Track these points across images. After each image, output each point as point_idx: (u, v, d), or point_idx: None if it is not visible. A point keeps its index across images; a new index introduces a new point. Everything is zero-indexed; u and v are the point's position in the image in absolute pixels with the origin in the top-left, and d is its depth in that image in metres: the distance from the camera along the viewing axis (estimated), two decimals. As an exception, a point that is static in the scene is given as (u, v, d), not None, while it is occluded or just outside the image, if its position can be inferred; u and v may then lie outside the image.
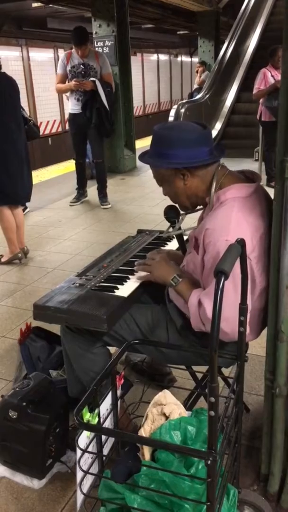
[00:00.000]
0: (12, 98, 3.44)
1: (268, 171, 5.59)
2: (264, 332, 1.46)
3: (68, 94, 4.95)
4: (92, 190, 5.48)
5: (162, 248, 1.94)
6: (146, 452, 1.24)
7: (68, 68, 4.71)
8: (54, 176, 7.14)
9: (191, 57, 17.94)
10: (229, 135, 7.98)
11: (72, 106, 4.87)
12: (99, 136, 4.88)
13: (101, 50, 6.36)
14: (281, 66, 1.17)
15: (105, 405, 1.31)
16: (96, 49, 6.37)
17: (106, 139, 5.29)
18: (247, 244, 1.13)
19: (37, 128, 4.01)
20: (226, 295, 0.94)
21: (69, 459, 1.70)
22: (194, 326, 1.46)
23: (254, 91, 5.44)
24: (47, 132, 10.94)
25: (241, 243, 1.07)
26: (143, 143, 7.89)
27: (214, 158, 1.45)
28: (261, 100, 5.46)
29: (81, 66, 4.68)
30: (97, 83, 4.58)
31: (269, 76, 5.29)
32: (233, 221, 1.34)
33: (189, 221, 1.75)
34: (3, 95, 3.35)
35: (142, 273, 1.65)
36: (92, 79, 4.62)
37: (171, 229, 1.72)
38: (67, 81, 4.79)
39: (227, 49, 8.31)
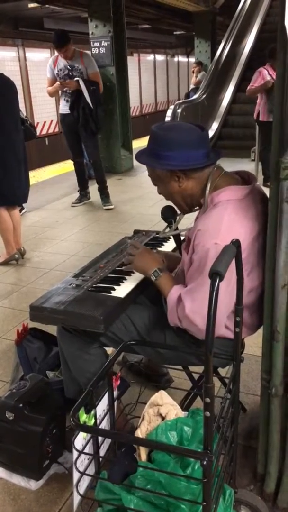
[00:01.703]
0: (10, 99, 3.44)
1: (265, 171, 5.59)
2: (260, 331, 1.46)
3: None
4: (91, 191, 5.48)
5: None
6: (143, 452, 1.24)
7: (56, 71, 4.80)
8: (51, 177, 7.14)
9: (187, 57, 17.95)
10: (225, 135, 7.99)
11: (62, 106, 4.95)
12: (89, 136, 4.92)
13: (97, 51, 6.38)
14: (276, 67, 1.18)
15: (102, 406, 1.31)
16: (93, 49, 6.39)
17: (101, 139, 5.30)
18: None
19: (33, 129, 4.02)
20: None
21: (66, 460, 1.70)
22: (170, 321, 1.47)
23: (248, 88, 5.45)
24: (44, 132, 10.93)
25: (236, 244, 1.08)
26: (140, 143, 7.88)
27: (210, 161, 1.45)
28: (257, 100, 5.47)
29: (67, 68, 4.76)
30: (81, 82, 4.64)
31: (266, 74, 5.27)
32: (224, 224, 1.34)
33: (187, 221, 1.76)
34: (1, 96, 3.35)
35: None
36: (76, 78, 4.68)
37: (167, 230, 1.73)
38: None
39: (223, 49, 8.32)
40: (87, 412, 1.21)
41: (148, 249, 1.68)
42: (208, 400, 0.93)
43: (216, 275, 0.92)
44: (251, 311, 1.50)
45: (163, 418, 1.29)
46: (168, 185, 1.49)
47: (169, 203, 1.64)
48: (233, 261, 1.08)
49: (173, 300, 1.44)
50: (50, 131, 11.23)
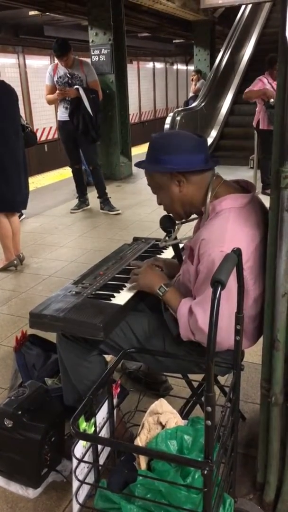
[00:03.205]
0: (10, 106, 3.45)
1: (264, 178, 5.61)
2: (260, 340, 1.46)
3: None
4: (89, 197, 5.49)
5: (158, 256, 1.95)
6: (142, 461, 1.24)
7: (55, 79, 4.85)
8: (50, 183, 7.15)
9: (186, 65, 18.07)
10: (224, 143, 8.04)
11: (60, 113, 4.98)
12: (89, 143, 4.96)
13: (97, 58, 6.42)
14: (277, 78, 1.19)
15: (101, 414, 1.31)
16: (93, 57, 6.43)
17: (100, 146, 5.33)
18: (242, 254, 1.14)
19: (34, 136, 4.02)
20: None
21: (64, 468, 1.69)
22: (183, 335, 1.46)
23: (246, 90, 5.44)
24: (43, 138, 10.97)
25: (237, 252, 1.08)
26: (139, 150, 7.92)
27: (209, 165, 1.46)
28: (257, 109, 5.50)
29: (67, 76, 4.81)
30: (81, 90, 4.70)
31: (266, 82, 5.31)
32: (228, 232, 1.35)
33: (186, 229, 1.76)
34: (2, 102, 3.36)
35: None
36: (76, 87, 4.73)
37: (167, 239, 1.73)
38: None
39: (222, 57, 8.39)
40: (87, 420, 1.21)
41: (151, 265, 1.68)
42: (209, 409, 0.93)
43: (218, 283, 0.92)
44: (255, 323, 1.48)
45: (163, 427, 1.29)
46: (168, 191, 1.49)
47: None
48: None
49: (184, 314, 1.43)
50: (50, 137, 11.27)
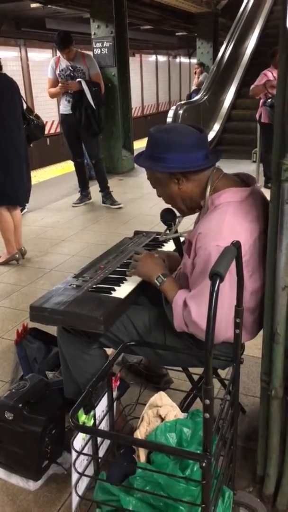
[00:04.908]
0: (12, 99, 3.44)
1: (266, 172, 5.59)
2: (260, 333, 1.46)
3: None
4: (91, 191, 5.49)
5: (159, 249, 1.95)
6: (142, 454, 1.24)
7: (57, 72, 4.83)
8: (52, 177, 7.15)
9: (189, 58, 17.96)
10: (227, 137, 8.00)
11: (62, 107, 4.97)
12: (91, 136, 4.95)
13: (99, 51, 6.39)
14: (278, 68, 1.18)
15: (101, 407, 1.31)
16: (95, 50, 6.40)
17: (102, 139, 5.32)
18: None
19: (39, 130, 4.01)
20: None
21: (65, 461, 1.70)
22: (177, 326, 1.46)
23: (251, 87, 5.44)
24: (45, 132, 10.95)
25: (236, 245, 1.07)
26: (141, 144, 7.89)
27: (209, 163, 1.44)
28: (261, 102, 5.47)
29: (69, 69, 4.80)
30: (83, 83, 4.69)
31: (270, 76, 5.30)
32: (226, 226, 1.34)
33: (187, 222, 1.76)
34: (4, 96, 3.35)
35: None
36: (78, 80, 4.72)
37: (167, 232, 1.73)
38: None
39: (225, 50, 8.33)
40: (86, 412, 1.21)
41: (151, 254, 1.67)
42: (207, 401, 0.93)
43: (216, 276, 0.92)
44: (254, 316, 1.48)
45: (162, 419, 1.29)
46: (167, 188, 1.48)
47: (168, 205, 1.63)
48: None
49: (179, 305, 1.43)
50: (52, 131, 11.24)
